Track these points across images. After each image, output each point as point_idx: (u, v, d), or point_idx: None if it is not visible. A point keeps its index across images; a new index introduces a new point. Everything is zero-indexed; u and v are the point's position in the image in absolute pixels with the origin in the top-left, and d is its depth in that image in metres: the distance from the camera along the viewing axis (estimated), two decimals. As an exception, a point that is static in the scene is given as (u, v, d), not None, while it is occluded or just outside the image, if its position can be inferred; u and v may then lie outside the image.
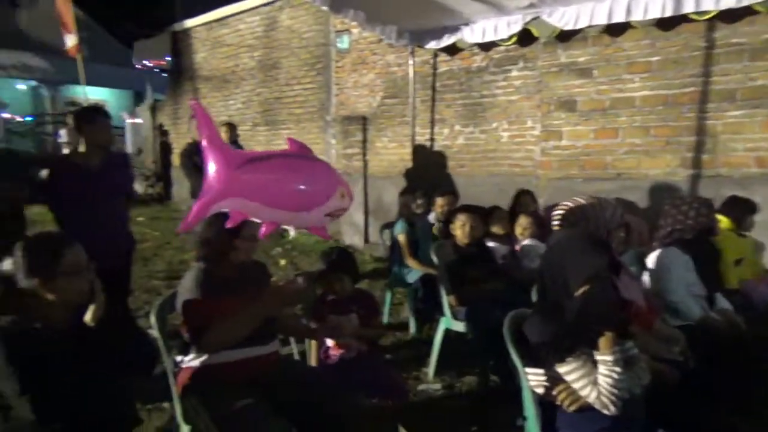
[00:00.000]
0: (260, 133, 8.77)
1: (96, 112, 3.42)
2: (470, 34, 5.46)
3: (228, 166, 1.75)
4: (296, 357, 2.88)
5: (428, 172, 6.40)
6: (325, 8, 5.09)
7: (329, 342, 2.71)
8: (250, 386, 2.17)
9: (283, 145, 2.08)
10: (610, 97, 4.98)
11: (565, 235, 2.08)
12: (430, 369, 3.63)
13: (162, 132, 10.82)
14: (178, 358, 2.34)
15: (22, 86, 20.24)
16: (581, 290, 1.83)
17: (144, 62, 10.33)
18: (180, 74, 10.37)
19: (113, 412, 1.90)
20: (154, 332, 2.35)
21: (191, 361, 2.25)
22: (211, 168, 1.75)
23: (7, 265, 1.81)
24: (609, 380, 1.73)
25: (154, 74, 11.13)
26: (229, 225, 1.86)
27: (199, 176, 5.30)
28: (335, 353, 2.70)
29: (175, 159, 10.13)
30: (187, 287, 2.19)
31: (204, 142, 1.78)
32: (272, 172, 1.86)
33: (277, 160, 1.93)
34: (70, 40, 8.68)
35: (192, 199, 5.53)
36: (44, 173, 3.21)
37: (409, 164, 6.60)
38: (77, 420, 1.77)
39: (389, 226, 4.94)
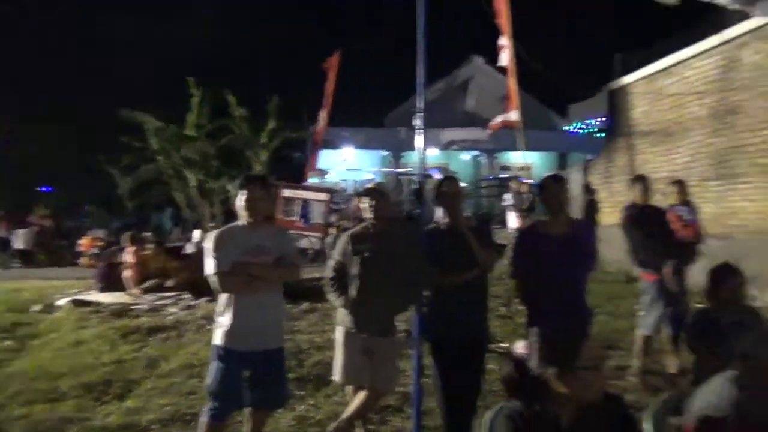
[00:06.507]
0: (710, 189, 7.55)
1: (555, 178, 3.16)
2: None
3: None
4: None
5: None
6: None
7: None
8: None
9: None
10: None
11: None
12: None
13: (588, 191, 10.64)
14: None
15: (466, 156, 23.79)
16: None
17: (577, 125, 10.44)
18: (615, 132, 10.03)
19: None
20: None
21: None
22: None
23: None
24: None
25: (585, 135, 11.18)
26: None
27: (639, 239, 4.66)
28: None
29: (602, 218, 9.71)
30: (712, 397, 1.68)
31: None
32: None
33: None
34: (514, 115, 9.36)
35: (634, 262, 4.89)
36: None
37: None
38: None
39: None
